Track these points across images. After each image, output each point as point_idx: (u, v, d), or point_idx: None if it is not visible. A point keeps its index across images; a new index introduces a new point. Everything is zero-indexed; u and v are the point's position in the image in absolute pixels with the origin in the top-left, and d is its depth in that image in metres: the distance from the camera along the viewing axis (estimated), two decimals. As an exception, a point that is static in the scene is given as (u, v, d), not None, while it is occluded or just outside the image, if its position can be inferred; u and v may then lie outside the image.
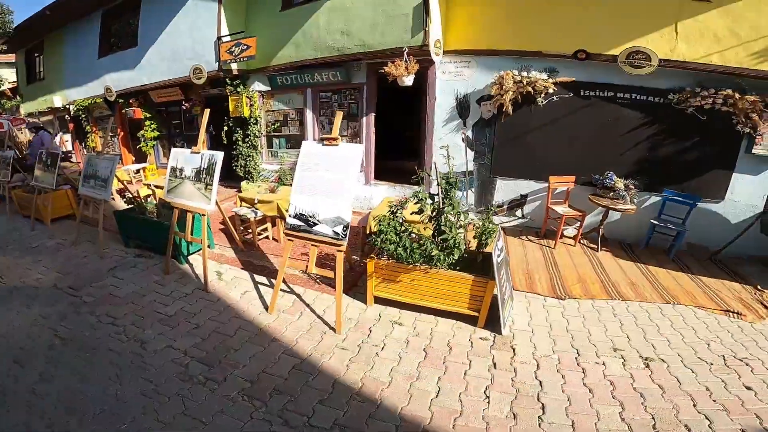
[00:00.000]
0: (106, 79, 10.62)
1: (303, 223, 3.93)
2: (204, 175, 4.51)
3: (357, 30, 6.81)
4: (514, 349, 3.60)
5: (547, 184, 6.50)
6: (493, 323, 3.87)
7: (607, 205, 5.67)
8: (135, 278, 5.07)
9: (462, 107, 6.95)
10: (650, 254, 5.78)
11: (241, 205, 6.01)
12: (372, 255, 4.12)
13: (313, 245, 4.00)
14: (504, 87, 6.29)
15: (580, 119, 6.22)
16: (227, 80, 8.38)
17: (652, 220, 5.85)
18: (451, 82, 6.88)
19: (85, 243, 6.30)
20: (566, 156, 6.43)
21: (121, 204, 6.92)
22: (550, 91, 6.18)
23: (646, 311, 4.27)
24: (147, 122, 10.34)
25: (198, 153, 4.63)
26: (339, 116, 4.07)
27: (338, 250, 3.81)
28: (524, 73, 6.21)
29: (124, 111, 10.45)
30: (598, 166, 6.13)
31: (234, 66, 8.30)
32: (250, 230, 5.89)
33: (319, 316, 4.17)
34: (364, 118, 7.65)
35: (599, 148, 6.19)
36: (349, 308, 4.32)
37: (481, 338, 3.76)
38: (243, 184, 8.77)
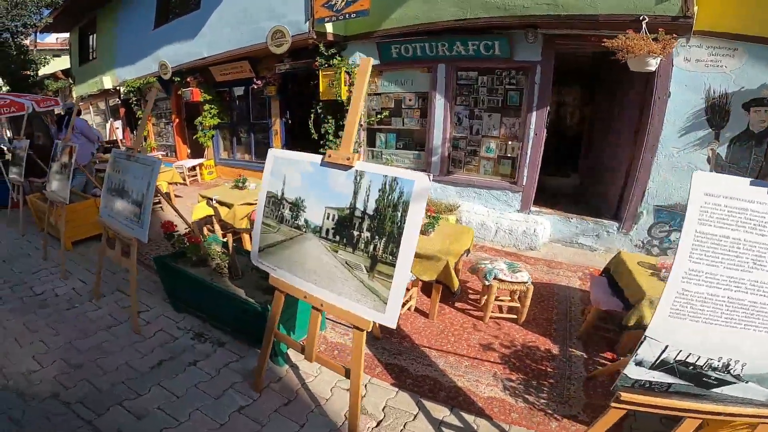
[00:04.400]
0: (161, 54, 8.06)
1: (684, 381, 1.45)
2: (367, 232, 1.60)
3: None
4: None
5: None
6: None
7: None
8: (200, 394, 2.48)
9: (716, 112, 4.05)
10: None
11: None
12: None
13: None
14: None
15: None
16: (319, 48, 5.51)
17: None
18: (699, 74, 4.01)
19: (114, 296, 3.68)
20: None
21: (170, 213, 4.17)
22: None
23: None
24: (206, 106, 7.67)
25: (348, 168, 1.71)
26: None
27: None
28: None
29: (180, 92, 7.83)
30: None
31: (329, 28, 5.43)
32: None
33: None
34: (533, 113, 4.60)
35: None
36: None
37: None
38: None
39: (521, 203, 4.91)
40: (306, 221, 1.80)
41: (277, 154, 1.97)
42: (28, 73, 12.45)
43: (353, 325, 1.80)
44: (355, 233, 1.64)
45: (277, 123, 6.86)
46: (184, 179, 7.40)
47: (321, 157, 1.81)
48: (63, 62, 14.51)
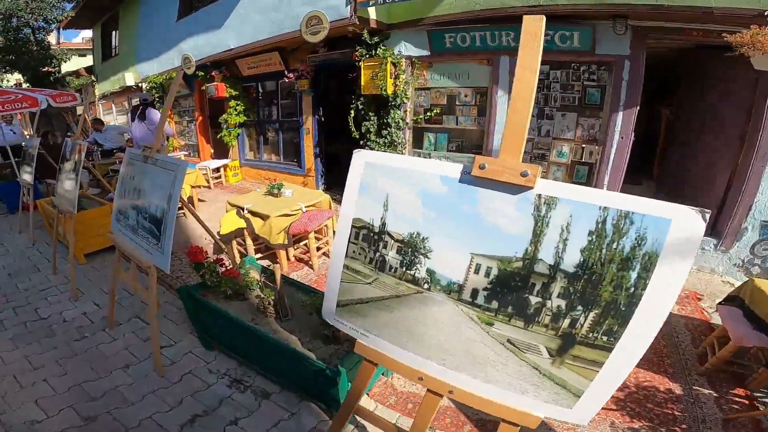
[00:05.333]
0: (184, 47, 7.50)
1: None
2: (561, 300, 0.89)
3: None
4: None
5: None
6: None
7: None
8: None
9: None
10: None
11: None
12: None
13: None
14: None
15: None
16: (362, 36, 4.83)
17: None
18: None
19: (131, 324, 3.09)
20: None
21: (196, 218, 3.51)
22: None
23: None
24: (232, 103, 7.05)
25: (521, 190, 1.00)
26: None
27: None
28: None
29: (204, 87, 7.24)
30: None
31: (372, 13, 4.74)
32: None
33: None
34: (619, 114, 3.85)
35: None
36: None
37: None
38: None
39: (600, 216, 4.14)
40: (430, 273, 1.11)
41: (370, 158, 1.27)
42: (49, 69, 12.07)
43: (505, 419, 1.09)
44: (533, 300, 0.94)
45: (310, 120, 6.20)
46: (208, 182, 6.81)
47: (459, 167, 1.11)
48: (89, 62, 14.14)
